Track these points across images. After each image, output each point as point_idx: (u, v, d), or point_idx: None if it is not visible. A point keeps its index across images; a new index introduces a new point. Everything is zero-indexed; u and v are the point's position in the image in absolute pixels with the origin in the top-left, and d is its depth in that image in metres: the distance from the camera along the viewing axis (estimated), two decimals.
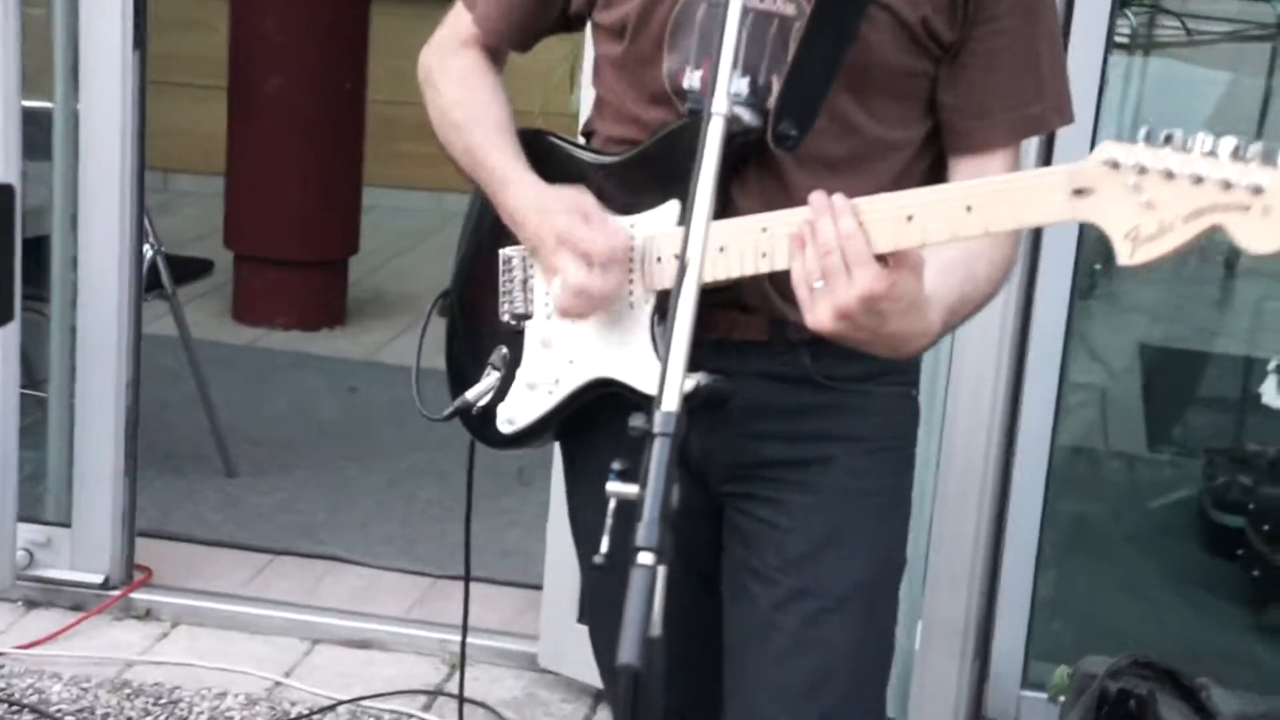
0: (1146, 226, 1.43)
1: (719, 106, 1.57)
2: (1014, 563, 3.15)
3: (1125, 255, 1.45)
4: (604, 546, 1.46)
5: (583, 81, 3.04)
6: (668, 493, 1.41)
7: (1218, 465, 4.03)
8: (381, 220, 6.16)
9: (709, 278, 1.68)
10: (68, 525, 3.45)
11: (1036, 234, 2.96)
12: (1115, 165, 1.45)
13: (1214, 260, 4.47)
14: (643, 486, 1.41)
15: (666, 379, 1.47)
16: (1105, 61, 2.95)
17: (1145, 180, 1.43)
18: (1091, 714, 2.70)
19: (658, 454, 1.43)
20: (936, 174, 1.86)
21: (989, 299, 1.80)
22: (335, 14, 5.14)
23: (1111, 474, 4.21)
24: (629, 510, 1.42)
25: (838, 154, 1.80)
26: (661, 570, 1.38)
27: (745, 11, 1.72)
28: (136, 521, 3.50)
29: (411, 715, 3.14)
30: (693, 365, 1.76)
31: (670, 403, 1.46)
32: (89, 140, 3.31)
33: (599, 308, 1.80)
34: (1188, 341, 4.64)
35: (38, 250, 3.45)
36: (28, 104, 3.29)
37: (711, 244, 1.64)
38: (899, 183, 1.79)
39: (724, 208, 1.75)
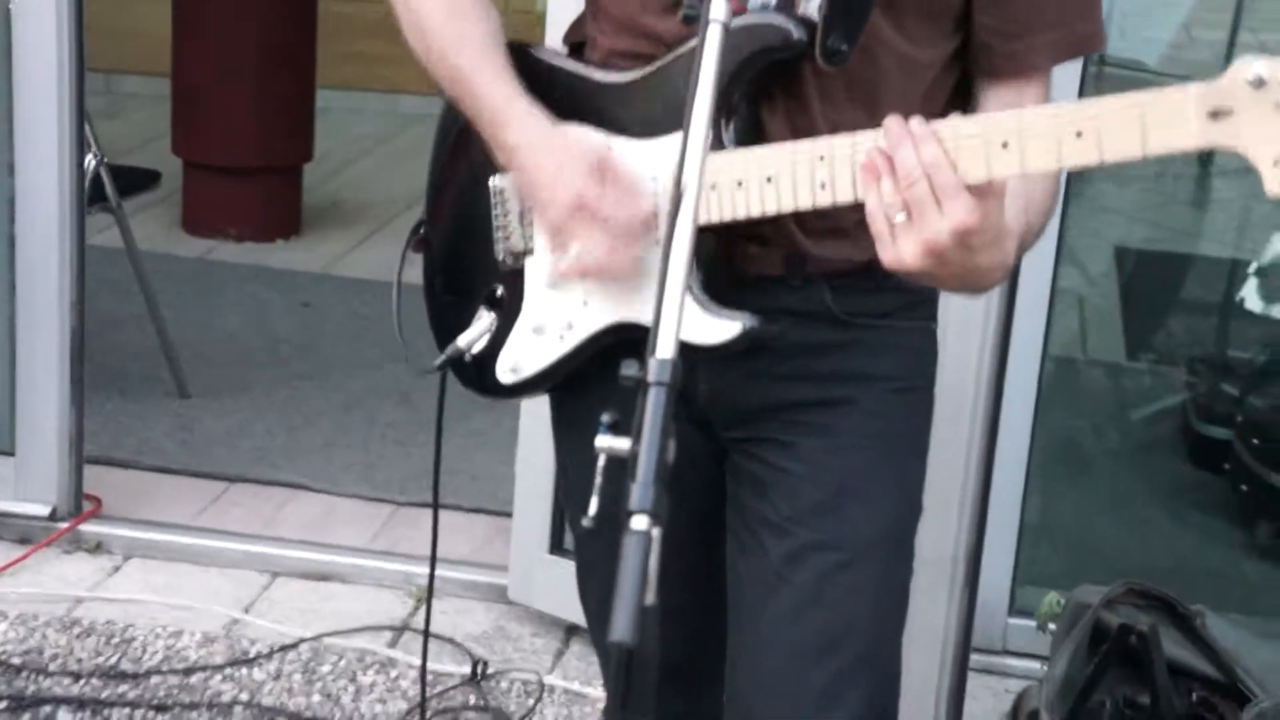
0: None
1: (717, 12, 1.39)
2: (1004, 485, 3.03)
3: (1275, 184, 1.28)
4: (593, 507, 1.33)
5: None
6: (664, 449, 1.26)
7: (1200, 374, 3.91)
8: (336, 125, 5.95)
9: (756, 211, 1.54)
10: (11, 454, 3.29)
11: None
12: (1260, 83, 1.28)
13: (1191, 158, 4.34)
14: (636, 442, 1.25)
15: (662, 320, 1.31)
16: None
17: None
18: (1086, 649, 2.59)
19: (653, 405, 1.26)
20: (961, 94, 1.71)
21: (1045, 228, 1.66)
22: None
23: (1092, 385, 4.10)
24: (620, 467, 1.26)
25: (866, 74, 1.63)
26: (657, 535, 1.23)
27: None
28: (85, 448, 3.35)
29: (376, 653, 3.01)
30: (729, 302, 1.62)
31: (666, 348, 1.30)
32: (23, 40, 3.10)
33: (615, 280, 1.63)
34: (1166, 244, 4.50)
35: None
36: None
37: (757, 173, 1.52)
38: (925, 104, 1.64)
39: (755, 133, 1.61)
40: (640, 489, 1.22)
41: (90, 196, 3.60)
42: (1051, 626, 2.89)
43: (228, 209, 5.04)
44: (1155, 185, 4.42)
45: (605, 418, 1.31)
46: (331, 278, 4.84)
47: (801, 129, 1.58)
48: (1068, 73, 2.68)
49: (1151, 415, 4.05)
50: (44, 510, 3.28)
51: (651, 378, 1.27)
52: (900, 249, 1.44)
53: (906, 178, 1.43)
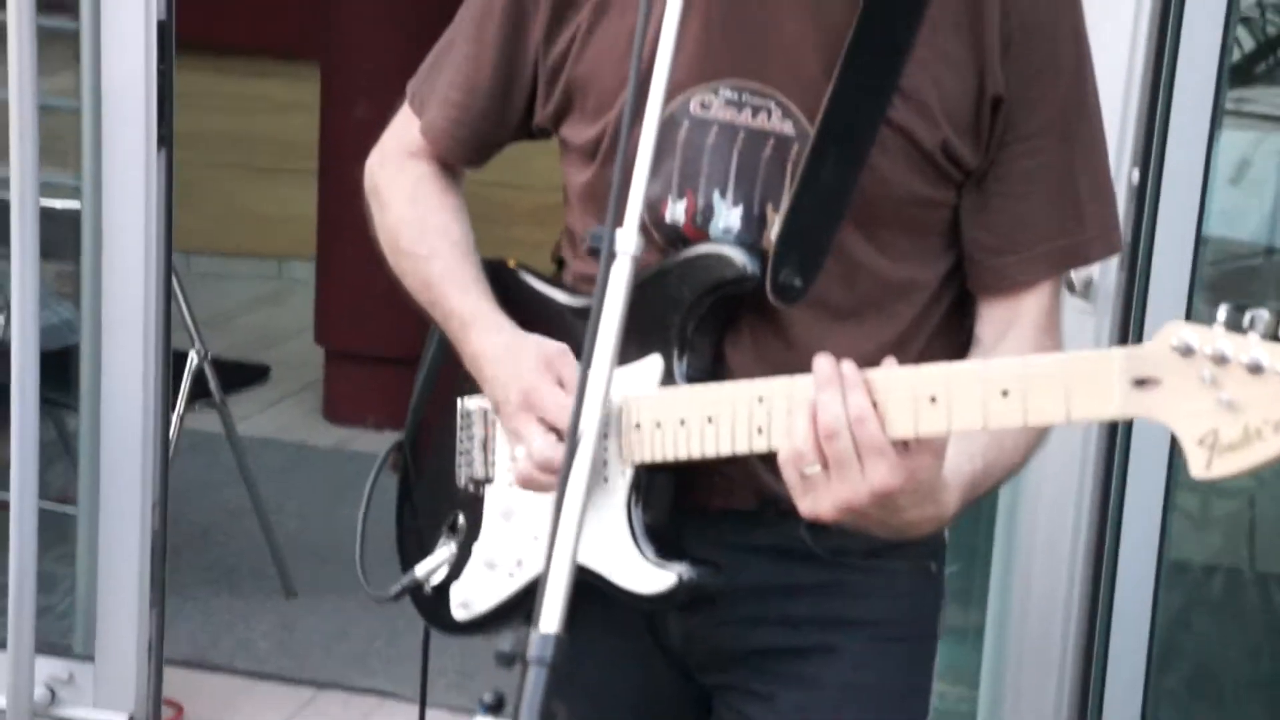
0: (1227, 432, 1.13)
1: (626, 244, 1.24)
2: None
3: (1200, 466, 1.14)
4: None
5: None
6: None
7: None
8: None
9: (699, 453, 1.43)
10: (91, 659, 3.20)
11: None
12: (1186, 351, 1.14)
13: None
14: None
15: (548, 587, 1.15)
16: (1212, 136, 2.54)
17: (1225, 374, 1.13)
18: None
19: (531, 688, 1.12)
20: (960, 318, 1.55)
21: (1018, 469, 1.47)
22: None
23: (1257, 602, 3.73)
24: None
25: (845, 299, 1.51)
26: None
27: (735, 129, 1.48)
28: (178, 649, 3.27)
29: None
30: (671, 549, 1.50)
31: (550, 620, 1.15)
32: (112, 243, 3.08)
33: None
34: None
35: (67, 358, 3.24)
36: (55, 203, 3.08)
37: (699, 413, 1.42)
38: (916, 330, 1.52)
39: (716, 368, 1.50)
40: None
41: (199, 391, 3.58)
42: None
43: (367, 397, 4.99)
44: None
45: (485, 697, 1.24)
46: None
47: (777, 362, 1.44)
48: None
49: None
50: (121, 718, 3.18)
51: (531, 654, 1.11)
52: (814, 501, 1.31)
53: (827, 428, 1.29)
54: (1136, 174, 2.44)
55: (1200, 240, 2.63)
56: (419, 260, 1.68)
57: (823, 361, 1.33)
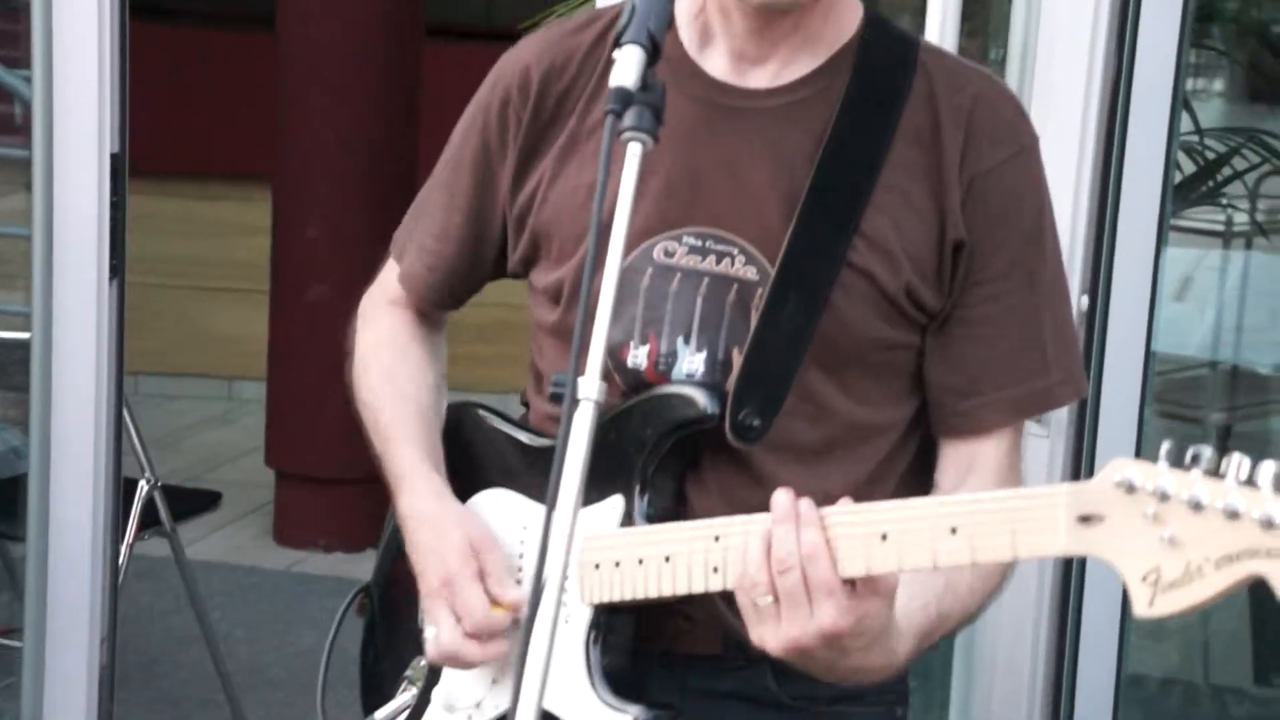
0: (1169, 569, 1.13)
1: (588, 391, 1.25)
2: None
3: (1142, 604, 1.14)
4: None
5: None
6: None
7: None
8: None
9: (656, 592, 1.43)
10: None
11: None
12: (1130, 489, 1.15)
13: None
14: None
15: None
16: (1158, 256, 2.58)
17: (1167, 510, 1.13)
18: None
19: None
20: (926, 461, 1.55)
21: (974, 617, 1.46)
22: (382, 216, 4.93)
23: (1213, 714, 3.73)
24: None
25: (809, 440, 1.52)
26: None
27: (699, 276, 1.50)
28: None
29: None
30: (629, 691, 1.49)
31: None
32: (62, 373, 3.04)
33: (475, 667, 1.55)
34: None
35: (13, 487, 3.20)
36: (5, 334, 3.07)
37: (657, 552, 1.42)
38: (883, 472, 1.53)
39: (680, 509, 1.51)
40: None
41: (149, 520, 3.55)
42: None
43: (318, 520, 4.95)
44: None
45: None
46: None
47: (742, 503, 1.44)
48: None
49: None
50: None
51: None
52: (763, 634, 1.32)
53: (780, 562, 1.30)
54: (1085, 300, 2.47)
55: (1150, 358, 2.66)
56: (373, 410, 1.71)
57: (781, 496, 1.34)
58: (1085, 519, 1.19)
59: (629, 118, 1.34)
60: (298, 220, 4.91)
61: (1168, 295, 3.04)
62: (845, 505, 1.33)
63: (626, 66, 1.35)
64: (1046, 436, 2.47)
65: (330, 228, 4.82)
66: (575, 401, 1.28)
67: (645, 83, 1.35)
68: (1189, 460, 1.15)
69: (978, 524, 1.26)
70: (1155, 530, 1.14)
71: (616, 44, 1.37)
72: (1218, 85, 4.67)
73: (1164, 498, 1.14)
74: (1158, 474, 1.15)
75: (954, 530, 1.26)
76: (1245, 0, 4.31)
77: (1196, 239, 3.90)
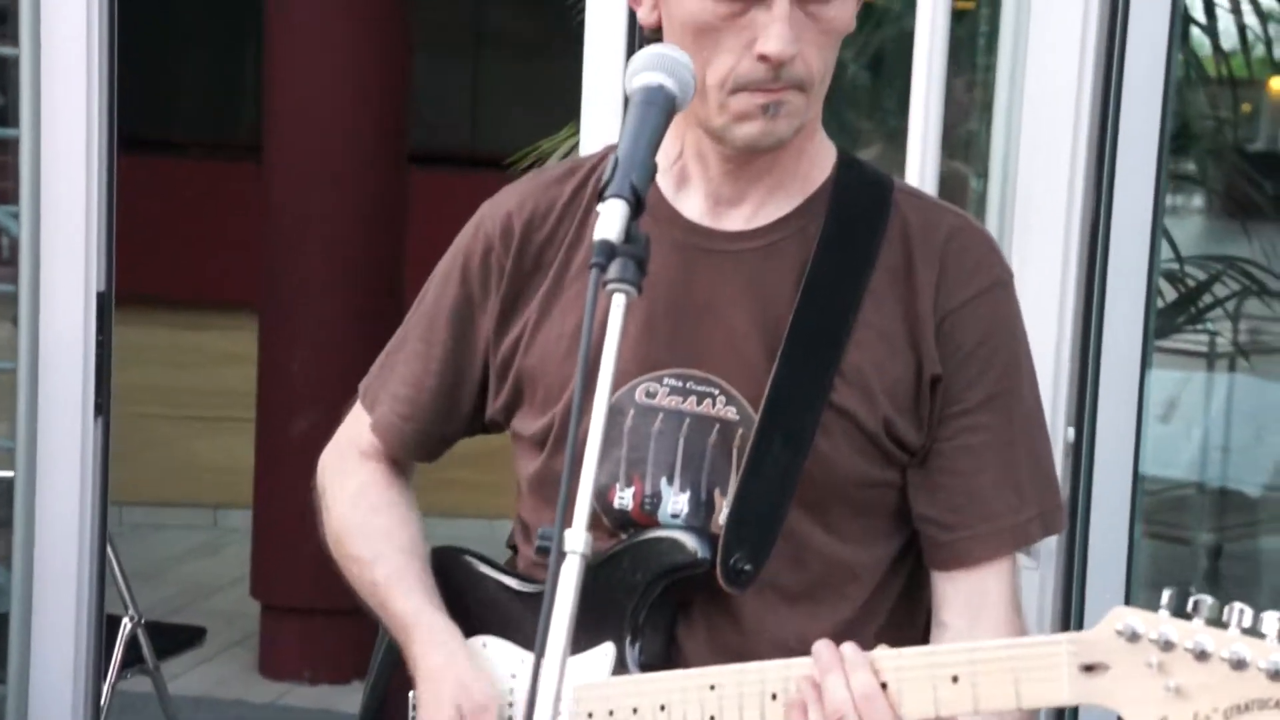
0: (1177, 718, 1.13)
1: (575, 544, 1.24)
2: None
3: None
4: None
5: None
6: None
7: None
8: None
9: None
10: None
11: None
12: (1133, 637, 1.16)
13: None
14: None
15: None
16: (1143, 380, 2.58)
17: (1172, 660, 1.14)
18: None
19: None
20: (911, 598, 1.55)
21: None
22: (368, 349, 4.93)
23: None
24: None
25: (793, 581, 1.51)
26: None
27: (681, 416, 1.51)
28: None
29: None
30: None
31: None
32: (45, 511, 3.03)
33: None
34: None
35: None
36: None
37: (651, 701, 1.42)
38: (870, 611, 1.53)
39: (669, 654, 1.50)
40: None
41: (131, 658, 3.51)
42: None
43: (304, 651, 4.90)
44: None
45: None
46: None
47: (729, 645, 1.45)
48: None
49: None
50: None
51: None
52: None
53: (835, 711, 1.30)
54: (1071, 432, 2.48)
55: (1139, 483, 2.66)
56: (363, 565, 1.69)
57: (823, 646, 1.35)
58: (1089, 668, 1.19)
59: (613, 269, 1.35)
60: (284, 350, 4.91)
61: (1153, 417, 3.05)
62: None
63: (610, 219, 1.36)
64: (1036, 568, 2.46)
65: (316, 358, 4.82)
66: (562, 555, 1.27)
67: (629, 235, 1.36)
68: (1191, 608, 1.15)
69: (979, 672, 1.26)
70: (1160, 680, 1.14)
71: (600, 197, 1.38)
72: (1196, 202, 4.73)
73: (1168, 646, 1.15)
74: (1160, 622, 1.16)
75: (955, 679, 1.26)
76: (1219, 122, 4.38)
77: (1180, 360, 3.92)
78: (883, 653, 1.33)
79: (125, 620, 3.44)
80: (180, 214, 6.01)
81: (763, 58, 1.47)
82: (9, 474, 3.09)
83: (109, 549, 3.26)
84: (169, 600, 5.18)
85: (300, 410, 4.78)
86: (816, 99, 1.53)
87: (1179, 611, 1.17)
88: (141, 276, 4.95)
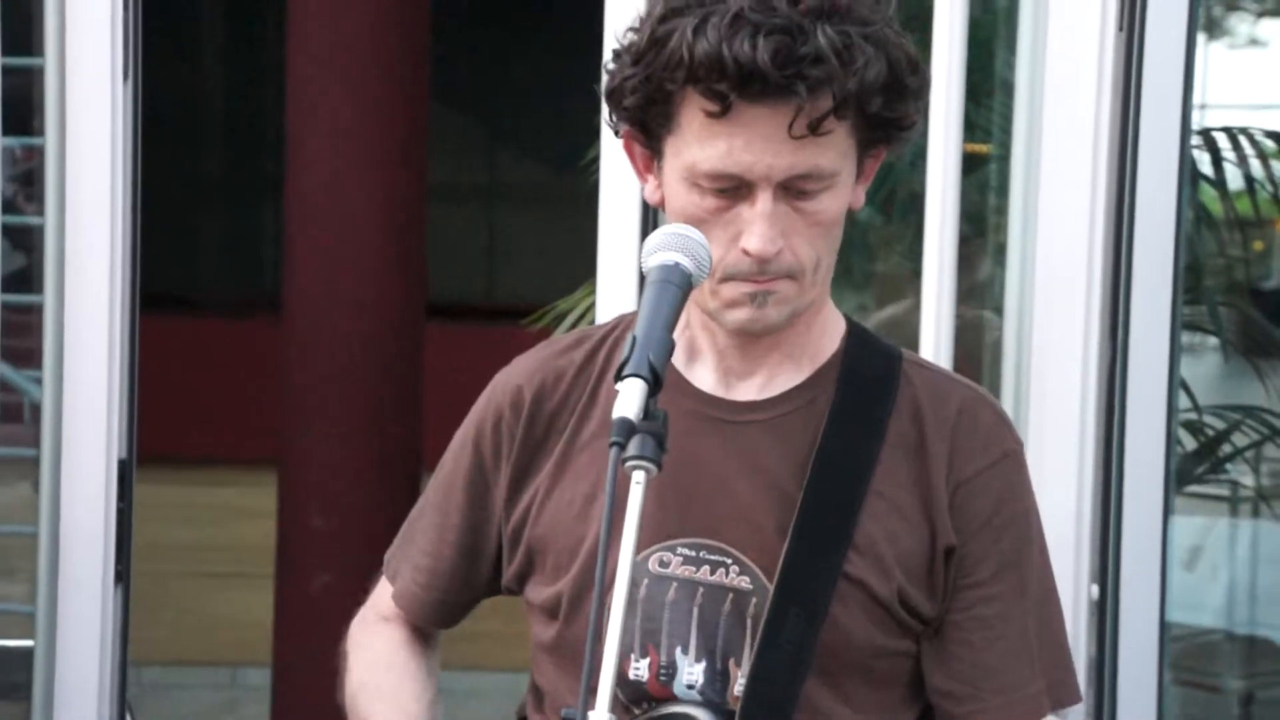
0: None
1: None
2: None
3: None
4: None
5: None
6: None
7: None
8: (456, 709, 5.79)
9: None
10: None
11: None
12: None
13: None
14: None
15: None
16: (1166, 525, 2.57)
17: None
18: None
19: None
20: None
21: None
22: (388, 506, 4.93)
23: None
24: None
25: None
26: None
27: (694, 585, 1.52)
28: None
29: None
30: None
31: None
32: (64, 686, 3.01)
33: None
34: None
35: None
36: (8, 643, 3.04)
37: None
38: None
39: None
40: None
41: None
42: None
43: None
44: None
45: None
46: None
47: None
48: None
49: None
50: None
51: None
52: None
53: None
54: (1095, 589, 2.47)
55: (1165, 632, 2.64)
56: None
57: None
58: None
59: (633, 447, 1.36)
60: (302, 505, 4.92)
61: (1178, 564, 3.03)
62: None
63: (629, 398, 1.37)
64: None
65: (335, 516, 4.82)
66: None
67: (647, 412, 1.37)
68: None
69: None
70: None
71: (619, 376, 1.40)
72: (1211, 341, 4.73)
73: None
74: None
75: None
76: (1230, 260, 4.39)
77: (1203, 504, 3.91)
78: None
79: None
80: (198, 371, 6.06)
81: (746, 253, 1.50)
82: (28, 643, 3.08)
83: (128, 715, 3.23)
84: None
85: (320, 566, 4.78)
86: (810, 284, 1.56)
87: None
88: (160, 435, 4.98)
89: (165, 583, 5.77)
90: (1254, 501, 3.89)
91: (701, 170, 1.50)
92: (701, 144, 1.49)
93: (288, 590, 4.97)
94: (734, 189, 1.50)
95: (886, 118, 1.51)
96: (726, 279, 1.52)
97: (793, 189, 1.50)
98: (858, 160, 1.54)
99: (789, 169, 1.48)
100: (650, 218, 2.63)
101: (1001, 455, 1.59)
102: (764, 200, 1.49)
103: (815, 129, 1.47)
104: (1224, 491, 3.87)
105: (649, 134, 1.55)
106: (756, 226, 1.48)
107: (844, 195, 1.54)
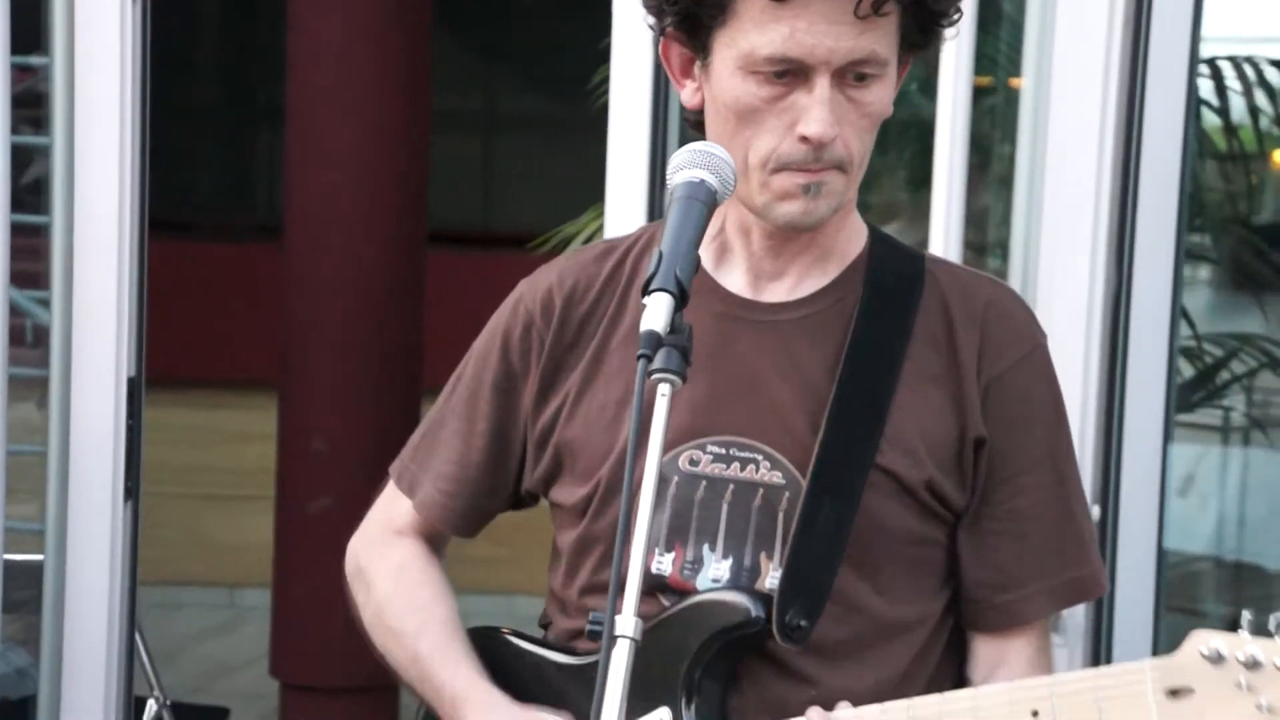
0: None
1: (626, 628, 1.27)
2: None
3: None
4: None
5: None
6: None
7: None
8: None
9: None
10: None
11: None
12: (1217, 659, 1.18)
13: None
14: None
15: None
16: (1165, 455, 2.62)
17: (1259, 678, 1.17)
18: None
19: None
20: (956, 655, 1.60)
21: None
22: (386, 428, 4.96)
23: None
24: None
25: (840, 638, 1.54)
26: None
27: (724, 483, 1.55)
28: None
29: None
30: None
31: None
32: (75, 596, 3.04)
33: None
34: None
35: (22, 709, 3.18)
36: (17, 556, 3.07)
37: None
38: (916, 669, 1.56)
39: (725, 714, 1.54)
40: None
41: None
42: None
43: None
44: None
45: None
46: None
47: (776, 703, 1.49)
48: None
49: None
50: None
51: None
52: None
53: None
54: (1097, 510, 2.50)
55: (1163, 557, 2.68)
56: (405, 637, 1.71)
57: (814, 714, 1.39)
58: (1174, 692, 1.20)
59: (659, 359, 1.39)
60: (302, 428, 4.95)
61: (1172, 491, 3.08)
62: (896, 703, 1.37)
63: (656, 312, 1.40)
64: (1064, 645, 2.48)
65: (335, 436, 4.85)
66: (614, 639, 1.30)
67: (674, 326, 1.40)
68: (1273, 627, 1.17)
69: (1061, 704, 1.26)
70: (1250, 699, 1.16)
71: (646, 290, 1.42)
72: (1203, 273, 4.76)
73: (1254, 665, 1.17)
74: (1244, 643, 1.18)
75: (1035, 713, 1.27)
76: (1230, 194, 4.42)
77: (1196, 434, 3.95)
78: (956, 694, 1.34)
79: (151, 701, 3.45)
80: (200, 295, 6.06)
81: (804, 139, 1.52)
82: (39, 557, 3.11)
83: (136, 631, 3.27)
84: (188, 680, 5.18)
85: (319, 487, 4.81)
86: (855, 179, 1.59)
87: (1260, 631, 1.19)
88: (162, 357, 5.00)
89: (165, 504, 5.80)
90: (1246, 430, 3.93)
91: (762, 55, 1.51)
92: (761, 29, 1.50)
93: (287, 511, 5.01)
94: (791, 76, 1.51)
95: (933, 10, 1.54)
96: (780, 169, 1.54)
97: (849, 76, 1.52)
98: (898, 60, 1.57)
99: (849, 53, 1.50)
100: (659, 141, 2.65)
101: (1032, 348, 1.62)
102: (822, 85, 1.50)
103: (878, 8, 1.49)
104: (1216, 421, 3.91)
105: (694, 31, 1.55)
106: (816, 111, 1.50)
107: (890, 89, 1.56)
